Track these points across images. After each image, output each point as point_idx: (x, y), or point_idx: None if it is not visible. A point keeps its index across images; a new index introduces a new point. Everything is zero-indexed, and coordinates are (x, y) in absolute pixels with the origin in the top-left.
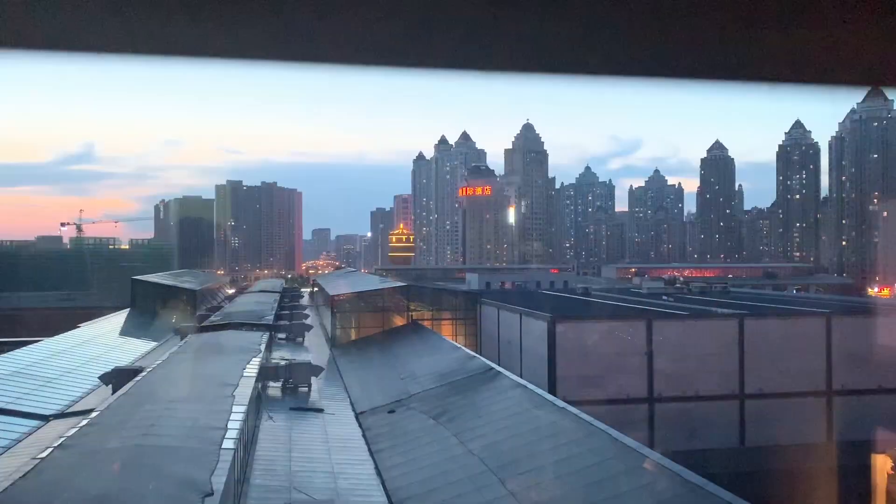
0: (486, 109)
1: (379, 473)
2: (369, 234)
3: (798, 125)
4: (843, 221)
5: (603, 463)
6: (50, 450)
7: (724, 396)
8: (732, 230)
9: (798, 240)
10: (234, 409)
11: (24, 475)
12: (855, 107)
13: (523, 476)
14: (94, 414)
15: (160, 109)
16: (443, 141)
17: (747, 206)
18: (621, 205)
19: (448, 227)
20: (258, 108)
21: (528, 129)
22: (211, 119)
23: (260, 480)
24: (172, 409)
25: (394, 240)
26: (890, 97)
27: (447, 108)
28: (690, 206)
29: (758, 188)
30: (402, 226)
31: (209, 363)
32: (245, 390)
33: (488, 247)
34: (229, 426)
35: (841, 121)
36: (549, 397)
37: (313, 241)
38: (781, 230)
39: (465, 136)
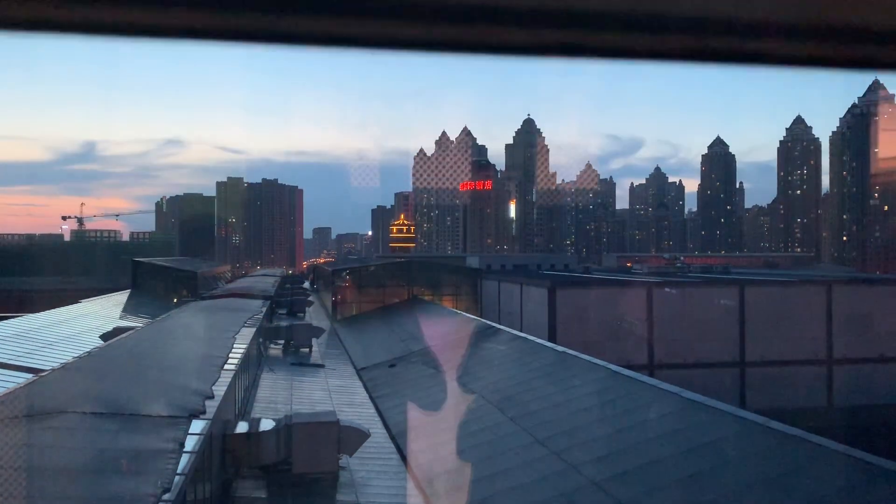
0: (488, 106)
1: (380, 413)
2: (370, 233)
3: (799, 121)
4: (844, 217)
5: (601, 391)
6: (51, 369)
7: (724, 363)
8: (733, 226)
9: (799, 235)
10: (236, 345)
11: (25, 385)
12: (856, 101)
13: (523, 405)
14: (95, 348)
15: (161, 109)
16: (444, 137)
17: (748, 204)
18: (622, 203)
19: (449, 223)
20: (259, 107)
21: (529, 123)
22: (211, 119)
23: (260, 416)
24: (174, 344)
25: (394, 230)
26: (891, 91)
27: (448, 105)
28: (691, 205)
29: (759, 188)
30: (402, 216)
31: (211, 317)
32: (247, 334)
33: (489, 241)
34: (231, 356)
35: (842, 115)
36: (549, 344)
37: (314, 241)
38: (782, 226)
39: (465, 132)
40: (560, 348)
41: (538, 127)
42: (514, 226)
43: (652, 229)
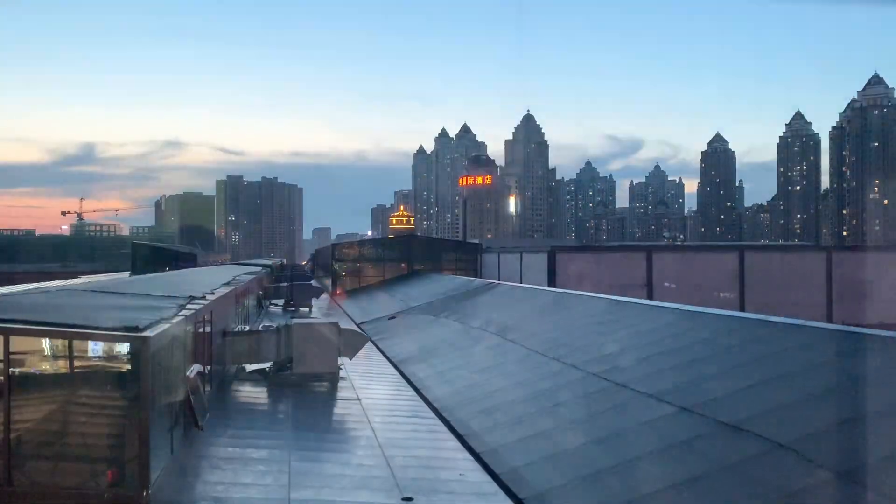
0: (487, 103)
1: (381, 350)
2: (370, 233)
3: (798, 116)
4: (844, 212)
5: (600, 313)
6: (53, 284)
7: None
8: (733, 223)
9: (799, 231)
10: (236, 279)
11: (24, 292)
12: (856, 95)
13: (523, 331)
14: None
15: (161, 109)
16: (443, 134)
17: (748, 203)
18: (622, 202)
19: (449, 220)
20: (259, 108)
21: (528, 119)
22: (211, 120)
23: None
24: (173, 279)
25: (394, 221)
26: (890, 85)
27: (447, 102)
28: (691, 205)
29: (759, 188)
30: (402, 208)
31: (210, 271)
32: (246, 278)
33: (489, 237)
34: (230, 284)
35: (842, 110)
36: (547, 288)
37: (314, 241)
38: (782, 222)
39: (465, 129)
40: (559, 290)
41: (538, 123)
42: (513, 221)
43: (651, 226)
